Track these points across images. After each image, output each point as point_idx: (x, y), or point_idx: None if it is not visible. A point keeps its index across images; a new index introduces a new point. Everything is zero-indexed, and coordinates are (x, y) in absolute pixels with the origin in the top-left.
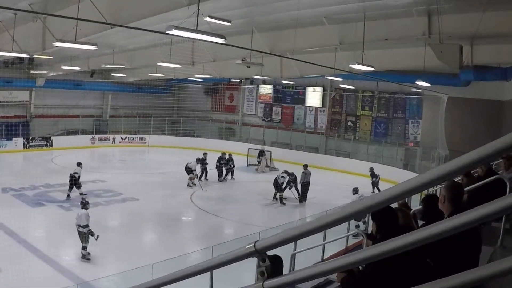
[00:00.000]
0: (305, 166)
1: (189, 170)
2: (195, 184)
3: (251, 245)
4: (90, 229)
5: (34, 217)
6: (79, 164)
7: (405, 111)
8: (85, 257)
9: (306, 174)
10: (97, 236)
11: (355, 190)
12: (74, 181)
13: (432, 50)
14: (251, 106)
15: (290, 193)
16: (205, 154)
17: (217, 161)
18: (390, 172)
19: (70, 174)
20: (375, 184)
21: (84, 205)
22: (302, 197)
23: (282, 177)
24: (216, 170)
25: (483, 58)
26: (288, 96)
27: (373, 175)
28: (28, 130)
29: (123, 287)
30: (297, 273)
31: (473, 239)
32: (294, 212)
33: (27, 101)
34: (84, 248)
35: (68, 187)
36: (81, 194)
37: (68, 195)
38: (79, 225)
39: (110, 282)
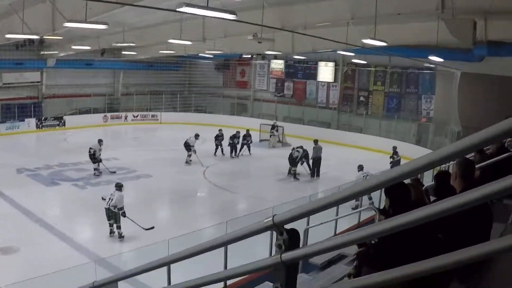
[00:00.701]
0: (316, 141)
1: (188, 146)
2: (191, 160)
3: (269, 219)
4: (124, 211)
5: (50, 196)
6: (99, 140)
7: (417, 86)
8: (121, 235)
9: (317, 149)
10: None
11: (360, 167)
12: (90, 157)
13: (445, 25)
14: (262, 82)
15: (303, 169)
16: (220, 130)
17: (230, 139)
18: (402, 147)
19: (88, 149)
20: (395, 165)
21: (120, 187)
22: (315, 172)
23: (297, 151)
24: (229, 147)
25: (498, 33)
26: (300, 71)
27: (395, 153)
28: (41, 110)
29: (140, 263)
30: (314, 246)
31: (485, 216)
32: (307, 187)
33: (38, 82)
34: (119, 227)
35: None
36: (94, 169)
37: (96, 170)
38: (114, 207)
39: (127, 258)
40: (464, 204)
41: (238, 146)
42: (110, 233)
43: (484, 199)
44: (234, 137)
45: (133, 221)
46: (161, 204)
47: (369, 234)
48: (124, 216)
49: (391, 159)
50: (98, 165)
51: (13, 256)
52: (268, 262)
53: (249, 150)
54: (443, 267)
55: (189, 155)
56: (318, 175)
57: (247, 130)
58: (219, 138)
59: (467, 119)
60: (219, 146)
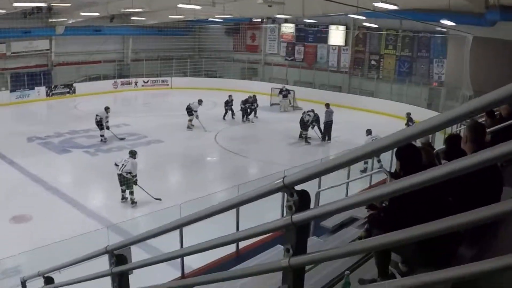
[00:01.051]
0: (327, 105)
1: (190, 110)
2: (194, 125)
3: (279, 180)
4: (137, 179)
5: (61, 164)
6: (106, 108)
7: (429, 50)
8: (134, 201)
9: (329, 113)
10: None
11: (368, 131)
12: (96, 124)
13: None
14: (273, 46)
15: (314, 133)
16: (230, 96)
17: (242, 103)
18: (413, 111)
19: (95, 116)
20: None
21: (134, 154)
22: (326, 136)
23: (308, 115)
24: (241, 111)
25: None
26: (311, 35)
27: (410, 120)
28: (50, 78)
29: (152, 227)
30: (324, 207)
31: (495, 179)
32: (318, 151)
33: (47, 49)
34: (132, 193)
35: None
36: (101, 136)
37: (102, 136)
38: (127, 173)
39: (139, 224)
40: (474, 165)
41: (248, 110)
42: (122, 199)
43: (494, 160)
44: (246, 102)
45: (144, 190)
46: (172, 169)
47: (379, 195)
48: (136, 184)
49: (407, 126)
50: (105, 131)
51: (26, 224)
52: (279, 223)
53: (255, 114)
54: (452, 228)
55: (190, 120)
56: (329, 139)
57: (254, 96)
58: (229, 103)
59: (479, 84)
60: (229, 111)
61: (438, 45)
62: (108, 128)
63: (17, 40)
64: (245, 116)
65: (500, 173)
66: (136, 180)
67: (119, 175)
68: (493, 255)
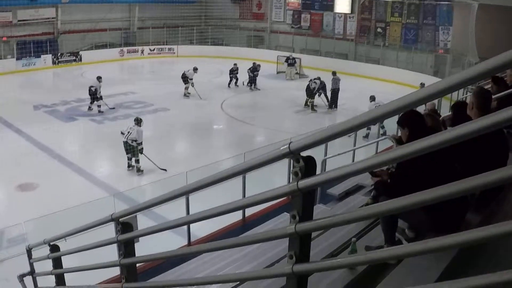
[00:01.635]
0: (334, 73)
1: (185, 78)
2: (190, 93)
3: (285, 146)
4: (142, 147)
5: (67, 132)
6: (98, 78)
7: (435, 17)
8: (139, 169)
9: (336, 80)
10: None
11: (372, 98)
12: (91, 95)
13: None
14: (279, 13)
15: (320, 100)
16: (235, 64)
17: (251, 71)
18: (420, 78)
19: (89, 88)
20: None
21: (139, 122)
22: (333, 103)
23: (315, 82)
24: (248, 79)
25: None
26: (317, 2)
27: None
28: (56, 46)
29: (158, 195)
30: (330, 173)
31: (501, 145)
32: (324, 119)
33: (53, 17)
34: (137, 161)
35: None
36: (98, 107)
37: (89, 107)
38: (132, 140)
39: (146, 191)
40: (480, 130)
41: (259, 79)
42: (128, 166)
43: (500, 124)
44: (255, 69)
45: (150, 159)
46: (179, 137)
47: (386, 160)
48: (141, 152)
49: None
50: (101, 102)
51: (32, 192)
52: (285, 189)
53: (255, 83)
54: (460, 193)
55: (186, 88)
56: (336, 106)
57: (254, 63)
58: (234, 72)
59: (485, 51)
60: (233, 79)
61: (444, 13)
62: (101, 98)
63: (23, 8)
64: (252, 84)
65: (507, 139)
66: (142, 148)
67: (125, 143)
68: (501, 219)
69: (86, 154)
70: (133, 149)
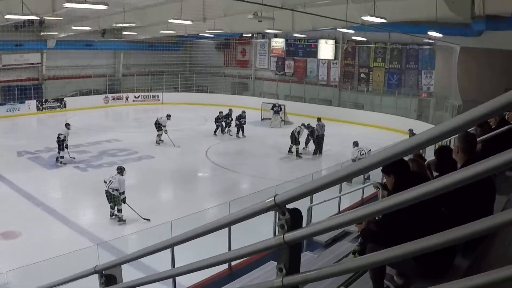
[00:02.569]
0: (319, 119)
1: (158, 125)
2: (162, 141)
3: (271, 199)
4: (125, 197)
5: (51, 179)
6: (66, 125)
7: (418, 62)
8: (121, 219)
9: (320, 127)
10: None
11: (355, 143)
12: (58, 143)
13: (444, 0)
14: (263, 60)
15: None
16: (220, 112)
17: (237, 119)
18: (404, 123)
19: (57, 135)
20: None
21: (122, 170)
22: (318, 149)
23: (299, 129)
24: (236, 127)
25: (495, 7)
26: (301, 49)
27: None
28: (41, 92)
29: (143, 245)
30: (317, 225)
31: (488, 188)
32: (310, 165)
33: (38, 63)
34: (119, 210)
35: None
36: (59, 157)
37: (57, 158)
38: (113, 189)
39: (130, 241)
40: (467, 179)
41: (245, 126)
42: (111, 215)
43: (487, 172)
44: (240, 117)
45: (132, 209)
46: (163, 185)
47: (373, 212)
48: (124, 202)
49: None
50: (65, 152)
51: (15, 240)
52: (271, 242)
53: (242, 131)
54: (448, 243)
55: (159, 135)
56: (320, 152)
57: (230, 109)
58: (220, 119)
59: (467, 93)
60: (219, 127)
61: (426, 57)
62: (67, 147)
63: (8, 53)
64: (239, 131)
65: (493, 181)
66: (125, 198)
67: (106, 192)
68: (489, 264)
69: (70, 202)
70: (114, 198)
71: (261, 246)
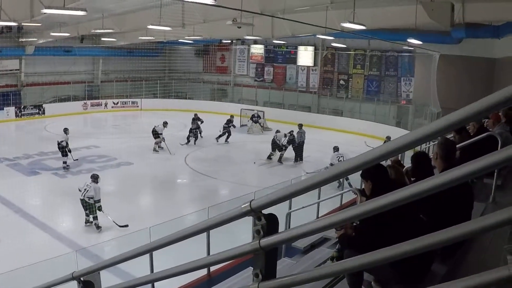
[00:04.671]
0: (300, 126)
1: (155, 133)
2: (162, 148)
3: (246, 204)
4: (101, 205)
5: (30, 186)
6: (65, 130)
7: (397, 69)
8: (98, 226)
9: (301, 134)
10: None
11: (335, 148)
12: (61, 149)
13: (423, 8)
14: (242, 67)
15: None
16: (232, 116)
17: (225, 124)
18: (383, 130)
19: (57, 142)
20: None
21: (96, 178)
22: (298, 156)
23: (278, 136)
24: (226, 132)
25: (475, 15)
26: (280, 55)
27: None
28: (20, 99)
29: (122, 251)
30: (293, 231)
31: (466, 195)
32: (289, 172)
33: (17, 69)
34: (95, 218)
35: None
36: (64, 163)
37: (64, 163)
38: (89, 198)
39: (108, 247)
40: (445, 184)
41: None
42: (86, 222)
43: (465, 177)
44: (229, 122)
45: (109, 217)
46: (142, 192)
47: (350, 216)
48: (100, 210)
49: None
50: (66, 156)
51: None
52: (247, 248)
53: (227, 137)
54: (425, 248)
55: (157, 143)
56: (301, 159)
57: (231, 115)
58: (193, 130)
59: (446, 101)
60: (192, 138)
61: (405, 64)
62: (70, 151)
63: None
64: (228, 137)
65: (471, 188)
66: (100, 206)
67: (82, 200)
68: (466, 270)
69: (49, 208)
70: (90, 206)
71: (237, 251)
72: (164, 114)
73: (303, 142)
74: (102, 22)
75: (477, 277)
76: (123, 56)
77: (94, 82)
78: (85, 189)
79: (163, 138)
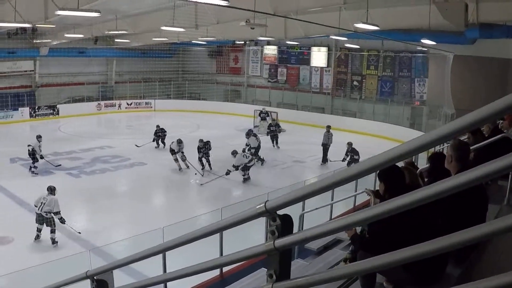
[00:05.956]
0: (328, 128)
1: (172, 151)
2: (187, 167)
3: (261, 205)
4: (62, 217)
5: (44, 186)
6: (37, 137)
7: (410, 69)
8: (54, 240)
9: (328, 136)
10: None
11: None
12: (30, 155)
13: (437, 8)
14: (256, 68)
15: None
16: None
17: (270, 126)
18: (396, 131)
19: (27, 146)
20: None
21: (52, 190)
22: (324, 158)
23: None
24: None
25: (489, 15)
26: (293, 56)
27: (352, 151)
28: (34, 99)
29: (135, 251)
30: (307, 232)
31: (480, 197)
32: (302, 173)
33: (31, 70)
34: (53, 231)
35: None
36: (31, 167)
37: (31, 167)
38: (48, 212)
39: (122, 247)
40: (460, 186)
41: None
42: (36, 238)
43: (480, 180)
44: (271, 125)
45: (71, 227)
46: (155, 192)
47: (363, 218)
48: (63, 222)
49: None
50: (38, 162)
51: (7, 246)
52: (262, 249)
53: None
54: (440, 250)
55: (175, 159)
56: (326, 161)
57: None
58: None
59: (460, 102)
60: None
61: (419, 65)
62: (42, 157)
63: (1, 61)
64: (274, 140)
65: (485, 190)
66: (61, 218)
67: (38, 215)
68: (481, 273)
69: (63, 208)
70: (47, 220)
71: (251, 252)
72: (177, 115)
73: (328, 145)
74: (116, 24)
75: (492, 279)
76: (136, 57)
77: (108, 83)
78: (41, 203)
79: (183, 157)
